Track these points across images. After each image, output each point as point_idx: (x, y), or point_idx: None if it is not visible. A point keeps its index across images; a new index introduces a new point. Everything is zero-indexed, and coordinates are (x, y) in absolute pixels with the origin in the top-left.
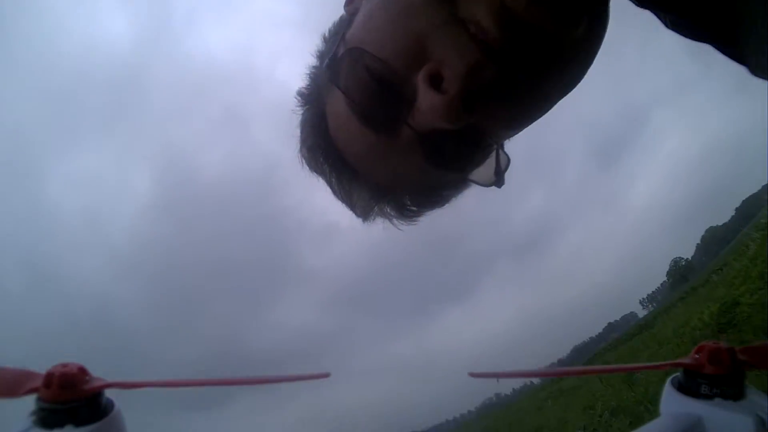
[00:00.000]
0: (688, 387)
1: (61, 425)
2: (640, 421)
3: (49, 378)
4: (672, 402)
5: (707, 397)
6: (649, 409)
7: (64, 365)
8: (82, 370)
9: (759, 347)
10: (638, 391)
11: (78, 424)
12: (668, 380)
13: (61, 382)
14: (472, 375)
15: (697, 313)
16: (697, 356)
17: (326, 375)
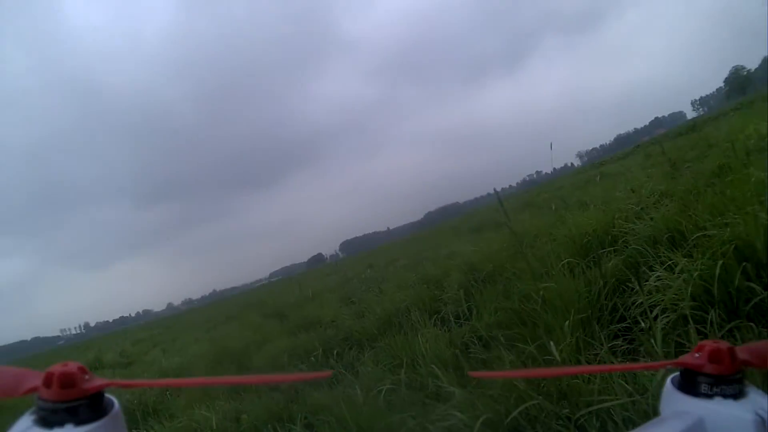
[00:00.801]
0: (689, 386)
1: (61, 425)
2: (686, 204)
3: (49, 377)
4: (672, 401)
5: (707, 396)
6: (694, 194)
7: (64, 365)
8: (82, 370)
9: (759, 346)
10: (683, 181)
11: (78, 423)
12: (668, 379)
13: (61, 382)
14: (472, 375)
15: (753, 124)
16: (697, 355)
17: (327, 374)
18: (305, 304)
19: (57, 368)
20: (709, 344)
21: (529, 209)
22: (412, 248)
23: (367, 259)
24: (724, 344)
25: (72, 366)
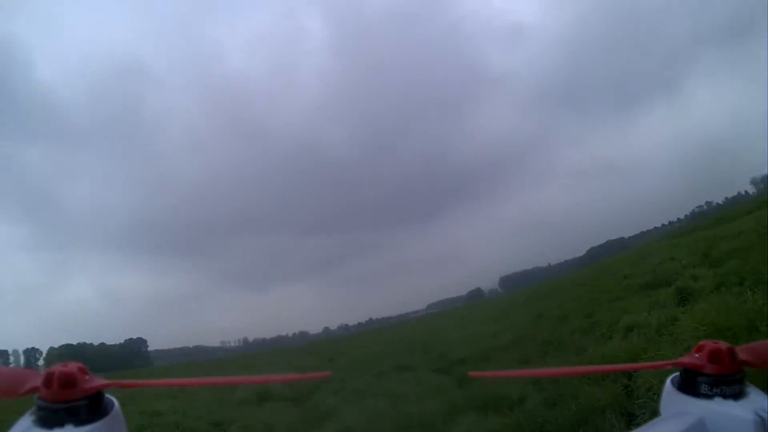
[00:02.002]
0: (689, 386)
1: (61, 425)
2: None
3: (49, 377)
4: (672, 401)
5: (707, 396)
6: None
7: (64, 365)
8: (82, 370)
9: (759, 347)
10: None
11: (78, 423)
12: (668, 379)
13: (61, 382)
14: (472, 375)
15: None
16: (697, 356)
17: (327, 374)
18: (479, 361)
19: (57, 368)
20: (709, 344)
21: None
22: (576, 293)
23: (529, 298)
24: (724, 344)
25: (72, 366)
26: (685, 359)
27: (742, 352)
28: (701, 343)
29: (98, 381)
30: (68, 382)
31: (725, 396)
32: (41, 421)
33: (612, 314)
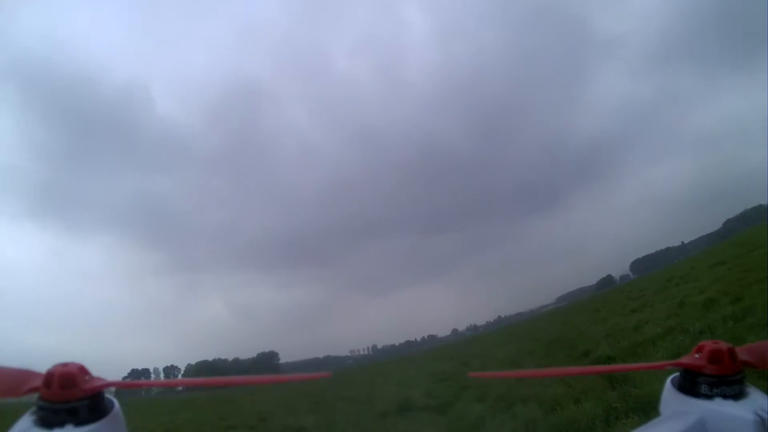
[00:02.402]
0: (689, 387)
1: (62, 425)
2: None
3: (50, 378)
4: (672, 402)
5: (707, 397)
6: None
7: (64, 365)
8: (82, 370)
9: (759, 347)
10: None
11: (78, 423)
12: (668, 380)
13: (61, 382)
14: (472, 375)
15: None
16: (697, 356)
17: (327, 374)
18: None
19: (57, 368)
20: (709, 345)
21: None
22: (717, 274)
23: (666, 283)
24: (724, 345)
25: (72, 366)
26: (685, 359)
27: (742, 353)
28: (701, 343)
29: (98, 381)
30: (68, 382)
31: (725, 396)
32: (41, 421)
33: (765, 296)
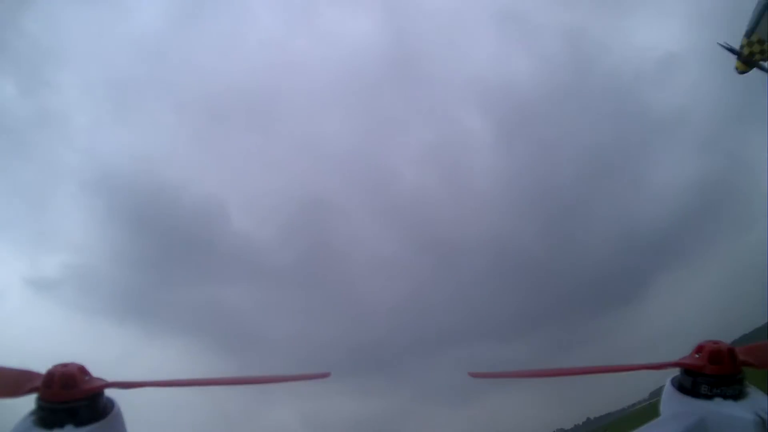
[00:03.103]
0: (689, 387)
1: (62, 425)
2: None
3: (50, 378)
4: (672, 402)
5: (707, 397)
6: None
7: (64, 365)
8: (82, 370)
9: (759, 347)
10: None
11: (78, 424)
12: (668, 380)
13: (61, 382)
14: (471, 375)
15: None
16: (697, 356)
17: (327, 375)
18: None
19: (57, 369)
20: (709, 345)
21: None
22: None
23: None
24: (724, 345)
25: (72, 366)
26: (685, 360)
27: (742, 353)
28: (701, 343)
29: (98, 381)
30: (68, 382)
31: (725, 396)
32: (41, 422)
33: None
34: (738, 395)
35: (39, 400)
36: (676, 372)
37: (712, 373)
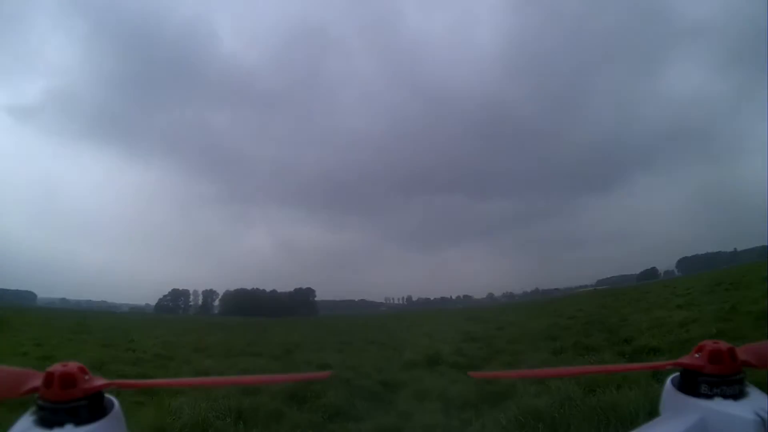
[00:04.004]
0: (689, 386)
1: (62, 425)
2: None
3: (50, 377)
4: (672, 401)
5: (707, 396)
6: None
7: (64, 365)
8: (82, 370)
9: (759, 347)
10: None
11: (78, 423)
12: (668, 380)
13: (61, 382)
14: (472, 375)
15: None
16: (697, 356)
17: (326, 375)
18: None
19: (57, 368)
20: (709, 344)
21: None
22: (763, 283)
23: (716, 287)
24: (724, 345)
25: (72, 366)
26: (686, 359)
27: (742, 352)
28: (701, 343)
29: (98, 381)
30: (68, 382)
31: (725, 396)
32: (41, 421)
33: None
34: (738, 395)
35: (39, 399)
36: (676, 372)
37: (712, 373)
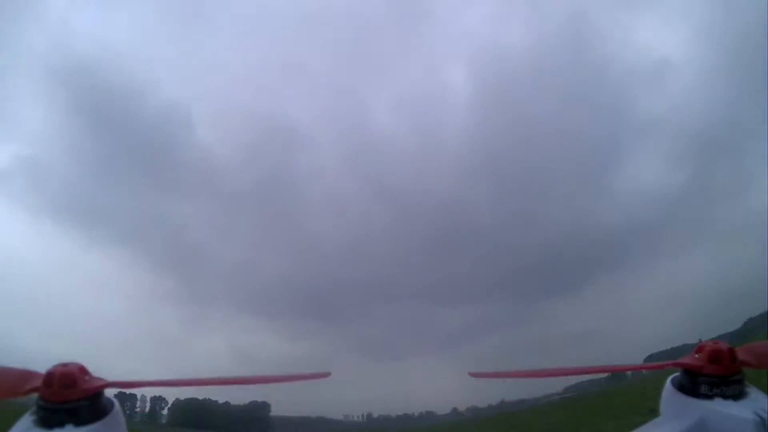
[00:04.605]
0: (689, 387)
1: (62, 425)
2: None
3: (50, 378)
4: (672, 402)
5: (707, 397)
6: None
7: (64, 365)
8: (82, 370)
9: (759, 347)
10: None
11: (78, 423)
12: (668, 380)
13: (61, 382)
14: (472, 375)
15: None
16: (697, 356)
17: (326, 374)
18: None
19: (57, 368)
20: (709, 345)
21: None
22: None
23: None
24: (724, 345)
25: (72, 366)
26: (686, 360)
27: (742, 353)
28: (701, 343)
29: (98, 381)
30: (68, 382)
31: (725, 396)
32: (41, 421)
33: None
34: (738, 395)
35: (39, 399)
36: (676, 372)
37: (712, 373)
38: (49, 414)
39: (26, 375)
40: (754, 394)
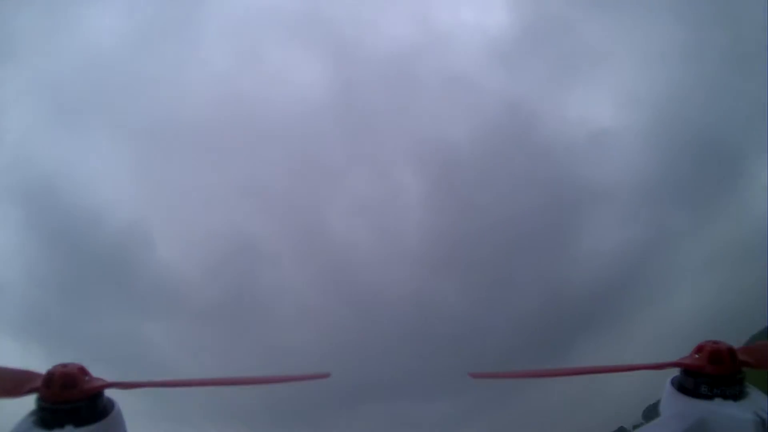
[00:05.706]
0: (689, 387)
1: (62, 425)
2: None
3: (50, 378)
4: (672, 402)
5: (707, 397)
6: None
7: (64, 365)
8: (82, 370)
9: (759, 347)
10: None
11: (78, 424)
12: (669, 380)
13: (61, 383)
14: (472, 375)
15: None
16: (697, 356)
17: (326, 375)
18: None
19: (57, 369)
20: (709, 345)
21: None
22: None
23: None
24: (724, 345)
25: (72, 367)
26: (686, 360)
27: (742, 353)
28: (701, 343)
29: (98, 381)
30: (69, 382)
31: (725, 396)
32: (42, 422)
33: None
34: (738, 395)
35: (39, 400)
36: (676, 372)
37: (712, 373)
38: (49, 414)
39: (26, 375)
40: (754, 395)
